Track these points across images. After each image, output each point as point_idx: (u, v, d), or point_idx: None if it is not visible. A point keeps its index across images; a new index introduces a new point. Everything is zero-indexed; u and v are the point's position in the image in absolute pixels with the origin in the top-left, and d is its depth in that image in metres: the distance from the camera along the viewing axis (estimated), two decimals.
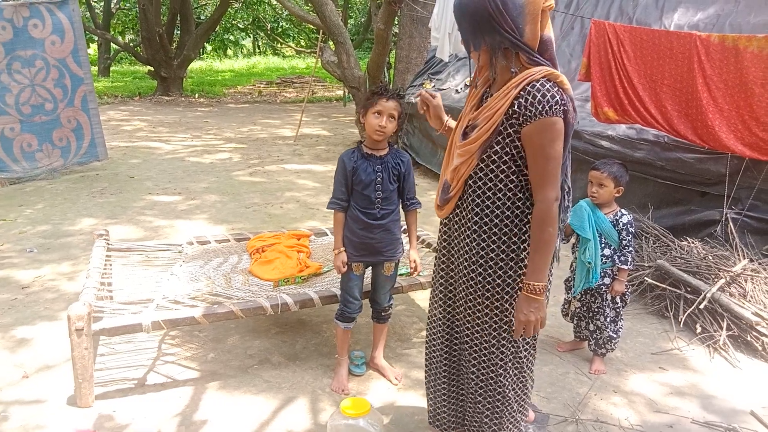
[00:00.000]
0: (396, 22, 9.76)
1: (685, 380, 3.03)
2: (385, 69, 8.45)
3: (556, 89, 1.73)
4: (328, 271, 3.30)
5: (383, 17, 7.06)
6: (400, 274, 3.27)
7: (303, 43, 28.86)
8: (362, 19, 19.99)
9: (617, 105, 4.47)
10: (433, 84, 7.61)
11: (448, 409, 2.30)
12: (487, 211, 1.90)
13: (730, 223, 3.95)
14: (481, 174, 1.88)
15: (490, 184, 1.87)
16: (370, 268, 2.82)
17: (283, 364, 3.04)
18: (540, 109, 1.71)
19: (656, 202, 4.56)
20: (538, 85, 1.72)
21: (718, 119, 3.90)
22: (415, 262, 2.79)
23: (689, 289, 3.55)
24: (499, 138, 1.81)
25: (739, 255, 3.78)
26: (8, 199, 5.85)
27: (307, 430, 2.54)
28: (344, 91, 9.19)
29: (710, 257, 3.71)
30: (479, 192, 1.90)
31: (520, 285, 1.91)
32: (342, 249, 2.69)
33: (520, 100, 1.74)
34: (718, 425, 2.65)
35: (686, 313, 3.44)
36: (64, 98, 6.70)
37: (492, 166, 1.85)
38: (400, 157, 2.69)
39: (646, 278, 3.73)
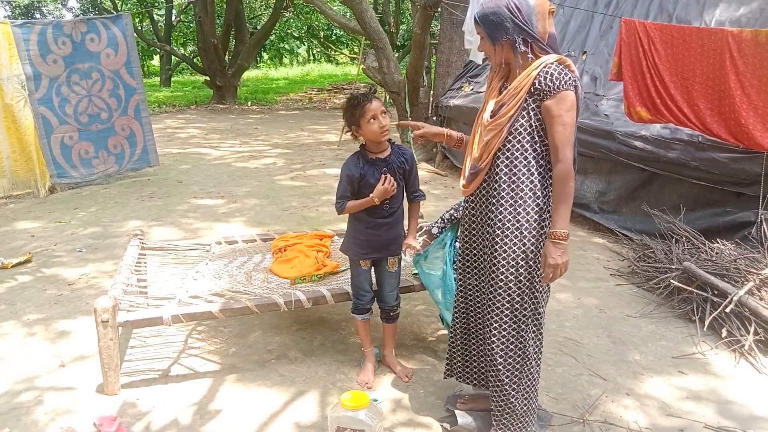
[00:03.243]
0: (438, 26, 9.82)
1: (705, 385, 2.95)
2: (425, 73, 8.51)
3: (566, 70, 2.10)
4: (344, 270, 3.39)
5: (420, 22, 7.13)
6: (415, 274, 3.34)
7: (356, 50, 29.30)
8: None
9: (649, 104, 4.37)
10: (471, 87, 7.63)
11: (478, 365, 2.53)
12: (515, 178, 2.16)
13: (764, 225, 3.79)
14: (509, 146, 2.17)
15: (517, 154, 2.16)
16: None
17: (299, 360, 3.15)
18: (557, 84, 2.06)
19: (690, 203, 4.44)
20: (552, 66, 2.09)
21: (752, 117, 3.77)
22: (408, 245, 2.81)
23: (716, 293, 3.44)
24: (524, 113, 2.13)
25: None
26: (65, 203, 6.26)
27: (313, 422, 2.64)
28: (386, 96, 9.30)
29: (741, 260, 3.58)
30: (508, 162, 2.18)
31: (544, 238, 2.18)
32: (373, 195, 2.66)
33: (540, 78, 2.08)
34: (732, 430, 2.58)
35: (711, 316, 3.34)
36: (118, 107, 7.10)
37: (518, 137, 2.15)
38: (403, 155, 2.73)
39: (672, 281, 3.64)
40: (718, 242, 3.91)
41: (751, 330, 3.20)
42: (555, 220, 2.10)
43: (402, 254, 2.87)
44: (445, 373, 2.68)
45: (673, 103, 4.21)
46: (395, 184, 2.67)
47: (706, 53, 3.96)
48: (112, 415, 2.59)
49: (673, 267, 3.82)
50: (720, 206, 4.28)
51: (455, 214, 2.96)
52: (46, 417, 2.66)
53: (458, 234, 2.98)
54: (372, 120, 2.58)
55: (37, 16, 22.38)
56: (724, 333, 3.28)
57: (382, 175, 2.65)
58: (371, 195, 2.65)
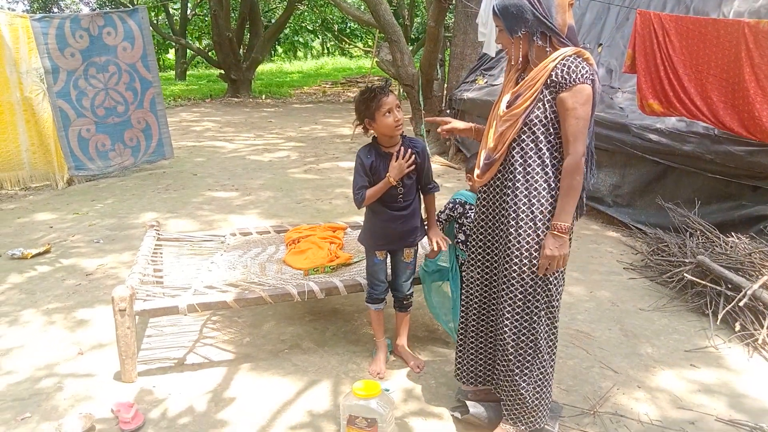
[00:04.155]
0: (452, 19, 9.79)
1: (717, 378, 2.94)
2: (439, 66, 8.49)
3: (584, 63, 2.09)
4: (357, 262, 3.42)
5: (434, 15, 7.12)
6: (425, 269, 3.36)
7: (370, 43, 29.24)
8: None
9: (662, 97, 4.34)
10: (485, 80, 7.60)
11: (477, 364, 2.52)
12: (529, 169, 2.17)
13: None
14: (524, 137, 2.18)
15: (531, 144, 2.17)
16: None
17: (312, 350, 3.20)
18: (574, 77, 2.06)
19: (705, 197, 4.40)
20: (570, 59, 2.09)
21: (767, 110, 3.73)
22: (435, 241, 2.81)
23: (730, 286, 3.43)
24: (539, 104, 2.14)
25: None
26: (83, 195, 6.36)
27: (325, 410, 2.68)
28: (399, 90, 9.31)
29: (756, 254, 3.56)
30: (522, 153, 2.19)
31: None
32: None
33: (557, 71, 2.09)
34: (743, 424, 2.57)
35: (725, 310, 3.33)
36: (134, 101, 7.17)
37: (534, 129, 2.16)
38: (414, 148, 2.72)
39: (685, 274, 3.62)
40: (732, 236, 3.89)
41: (765, 324, 3.18)
42: (558, 213, 2.15)
43: (431, 247, 2.88)
44: None
45: (686, 95, 4.17)
46: (411, 159, 2.65)
47: (721, 45, 3.92)
48: (130, 402, 2.64)
49: (686, 261, 3.81)
50: (735, 200, 4.24)
51: (451, 214, 2.95)
52: (65, 403, 2.73)
53: (465, 229, 2.99)
54: (387, 114, 2.58)
55: (55, 10, 22.56)
56: (738, 327, 3.27)
57: (394, 153, 2.66)
58: (387, 175, 2.65)
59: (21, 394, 2.79)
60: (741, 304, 3.26)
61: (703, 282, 3.54)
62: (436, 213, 2.97)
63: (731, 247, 3.75)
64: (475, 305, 2.46)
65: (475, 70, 7.92)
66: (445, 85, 8.94)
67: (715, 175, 4.30)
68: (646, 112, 4.48)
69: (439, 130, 2.62)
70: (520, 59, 2.20)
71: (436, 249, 2.88)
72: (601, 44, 6.03)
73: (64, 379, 2.93)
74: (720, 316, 3.35)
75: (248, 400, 2.76)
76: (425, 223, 2.93)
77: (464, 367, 2.57)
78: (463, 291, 2.52)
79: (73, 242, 4.88)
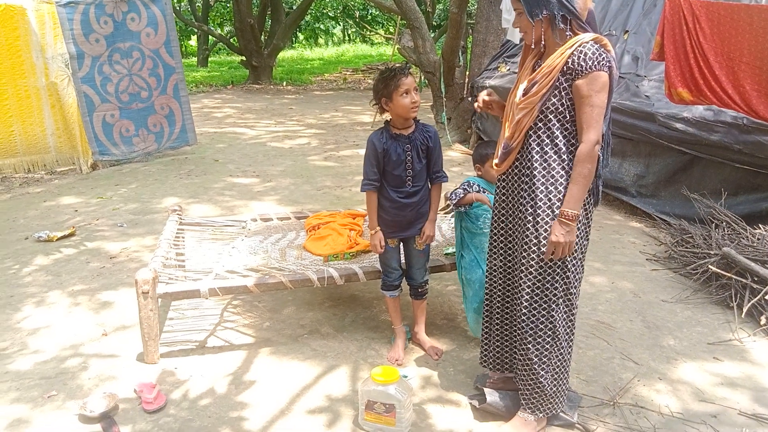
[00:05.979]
0: (475, 5, 9.68)
1: (741, 372, 2.89)
2: (461, 53, 8.41)
3: (602, 50, 2.07)
4: None
5: (456, 1, 7.03)
6: (446, 254, 3.36)
7: (392, 30, 29.05)
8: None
9: (692, 85, 4.24)
10: (508, 68, 7.51)
11: (503, 351, 2.53)
12: (547, 156, 2.16)
13: None
14: (540, 124, 2.17)
15: (548, 132, 2.16)
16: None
17: (331, 335, 3.21)
18: (590, 64, 2.04)
19: (732, 188, 4.31)
20: (588, 45, 2.06)
21: None
22: (424, 234, 2.81)
23: (756, 279, 3.36)
24: (556, 92, 2.12)
25: None
26: (107, 179, 6.45)
27: (344, 395, 2.70)
28: (420, 77, 9.25)
29: None
30: (539, 140, 2.18)
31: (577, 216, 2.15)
32: (378, 229, 2.79)
33: (573, 57, 2.06)
34: (767, 418, 2.53)
35: (750, 303, 3.27)
36: (157, 86, 7.22)
37: (550, 116, 2.14)
38: (426, 132, 2.74)
39: (710, 266, 3.56)
40: (760, 228, 3.81)
41: None
42: (566, 200, 2.13)
43: (418, 243, 2.88)
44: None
45: (717, 83, 4.07)
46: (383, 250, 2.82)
47: (754, 31, 3.81)
48: (152, 383, 2.70)
49: (711, 252, 3.74)
50: (764, 191, 4.15)
51: (467, 189, 2.90)
52: (90, 382, 2.79)
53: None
54: (405, 94, 2.59)
55: None
56: (763, 320, 3.21)
57: (379, 240, 2.79)
58: (372, 232, 2.80)
59: (47, 373, 2.86)
60: (767, 297, 3.19)
61: (728, 274, 3.48)
62: (450, 192, 2.96)
63: (758, 239, 3.68)
64: (498, 293, 2.46)
65: (497, 57, 7.82)
66: (467, 73, 8.85)
67: (743, 166, 4.21)
68: (675, 100, 4.38)
69: (478, 103, 2.47)
70: (539, 43, 2.17)
71: (420, 243, 2.86)
72: (627, 31, 5.90)
73: (88, 359, 2.99)
74: (745, 309, 3.30)
75: (268, 383, 2.79)
76: (440, 209, 2.92)
77: (490, 354, 2.58)
78: (486, 279, 2.52)
79: (98, 226, 4.96)
